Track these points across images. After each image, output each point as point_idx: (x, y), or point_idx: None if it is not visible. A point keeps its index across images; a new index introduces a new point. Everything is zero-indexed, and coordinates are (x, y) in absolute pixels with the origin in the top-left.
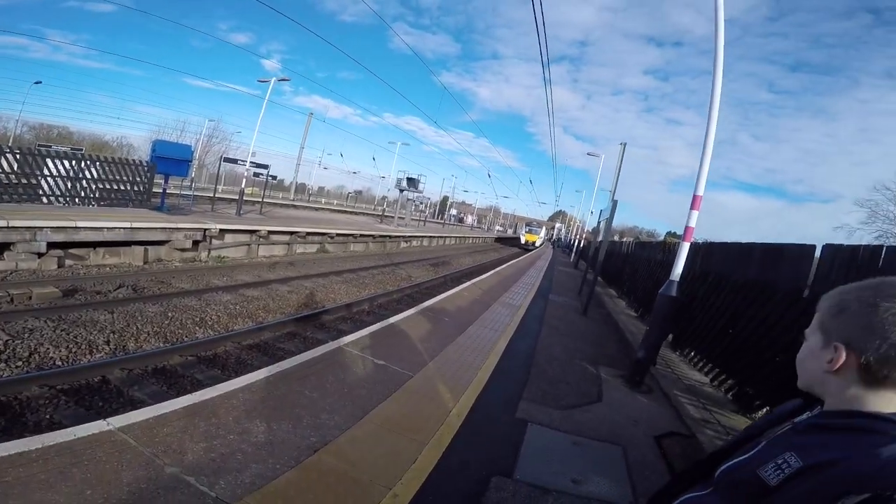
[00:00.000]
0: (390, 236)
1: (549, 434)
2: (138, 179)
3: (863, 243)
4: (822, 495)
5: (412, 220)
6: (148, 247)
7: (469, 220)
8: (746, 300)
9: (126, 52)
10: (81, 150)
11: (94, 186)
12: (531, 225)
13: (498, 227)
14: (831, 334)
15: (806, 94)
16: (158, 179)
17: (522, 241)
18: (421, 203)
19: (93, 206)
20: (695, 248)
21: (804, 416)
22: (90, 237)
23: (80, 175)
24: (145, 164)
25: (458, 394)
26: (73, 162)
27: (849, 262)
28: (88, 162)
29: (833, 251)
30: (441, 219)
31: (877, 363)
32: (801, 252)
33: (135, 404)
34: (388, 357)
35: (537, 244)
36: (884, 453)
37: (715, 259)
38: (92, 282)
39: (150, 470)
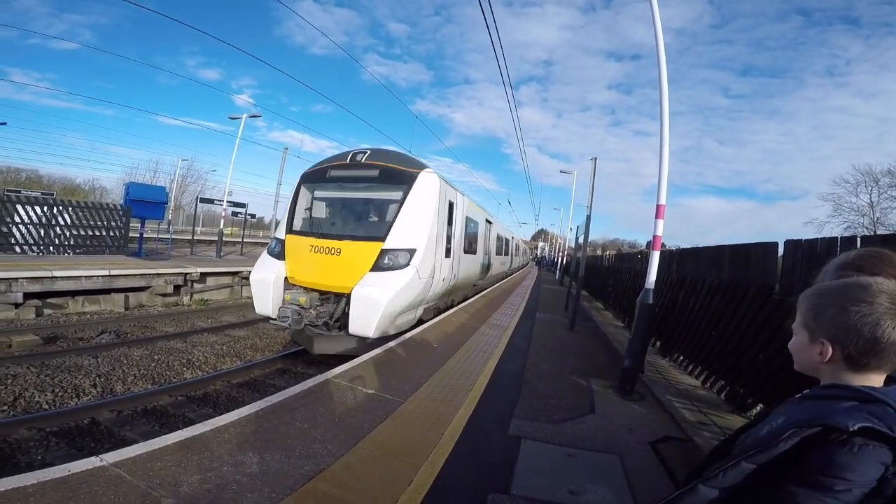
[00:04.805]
0: None
1: (544, 448)
2: (113, 224)
3: (822, 236)
4: (775, 433)
5: None
6: (128, 293)
7: None
8: (723, 301)
9: (93, 91)
10: (52, 194)
11: (67, 233)
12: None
13: None
14: (816, 333)
15: (758, 97)
16: (134, 223)
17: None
18: None
19: (68, 254)
20: (669, 254)
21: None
22: (68, 286)
23: (53, 222)
24: (120, 208)
25: (449, 416)
26: (45, 208)
27: (808, 255)
28: (61, 207)
29: (794, 246)
30: None
31: (858, 354)
32: (766, 250)
33: (127, 443)
34: (377, 386)
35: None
36: (838, 405)
37: (689, 264)
38: (73, 329)
39: (146, 502)
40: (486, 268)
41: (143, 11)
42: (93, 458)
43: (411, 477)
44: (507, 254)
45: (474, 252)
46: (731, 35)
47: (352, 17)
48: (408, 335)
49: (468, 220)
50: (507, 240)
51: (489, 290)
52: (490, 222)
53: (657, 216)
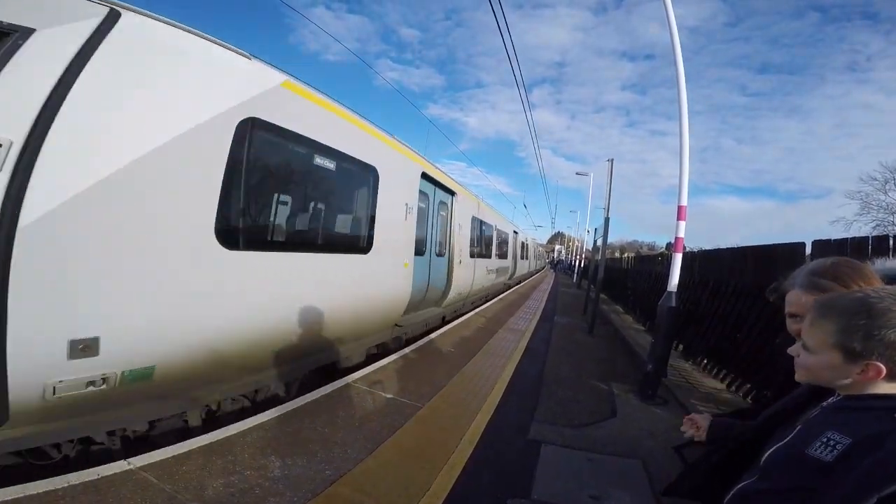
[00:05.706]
0: None
1: (564, 453)
2: None
3: (851, 235)
4: (893, 461)
5: None
6: None
7: None
8: (748, 303)
9: None
10: None
11: None
12: None
13: None
14: (864, 354)
15: (777, 94)
16: None
17: None
18: None
19: None
20: (691, 256)
21: (830, 400)
22: None
23: None
24: None
25: (468, 420)
26: None
27: (838, 255)
28: None
29: (822, 246)
30: None
31: None
32: (793, 251)
33: (154, 445)
34: (396, 390)
35: None
36: None
37: (712, 266)
38: None
39: None
40: (444, 284)
41: None
42: (121, 462)
43: (430, 481)
44: (503, 256)
45: (360, 247)
46: (746, 33)
47: (363, 23)
48: (430, 336)
49: (322, 151)
50: (504, 234)
51: (505, 294)
52: (449, 192)
53: (679, 218)
